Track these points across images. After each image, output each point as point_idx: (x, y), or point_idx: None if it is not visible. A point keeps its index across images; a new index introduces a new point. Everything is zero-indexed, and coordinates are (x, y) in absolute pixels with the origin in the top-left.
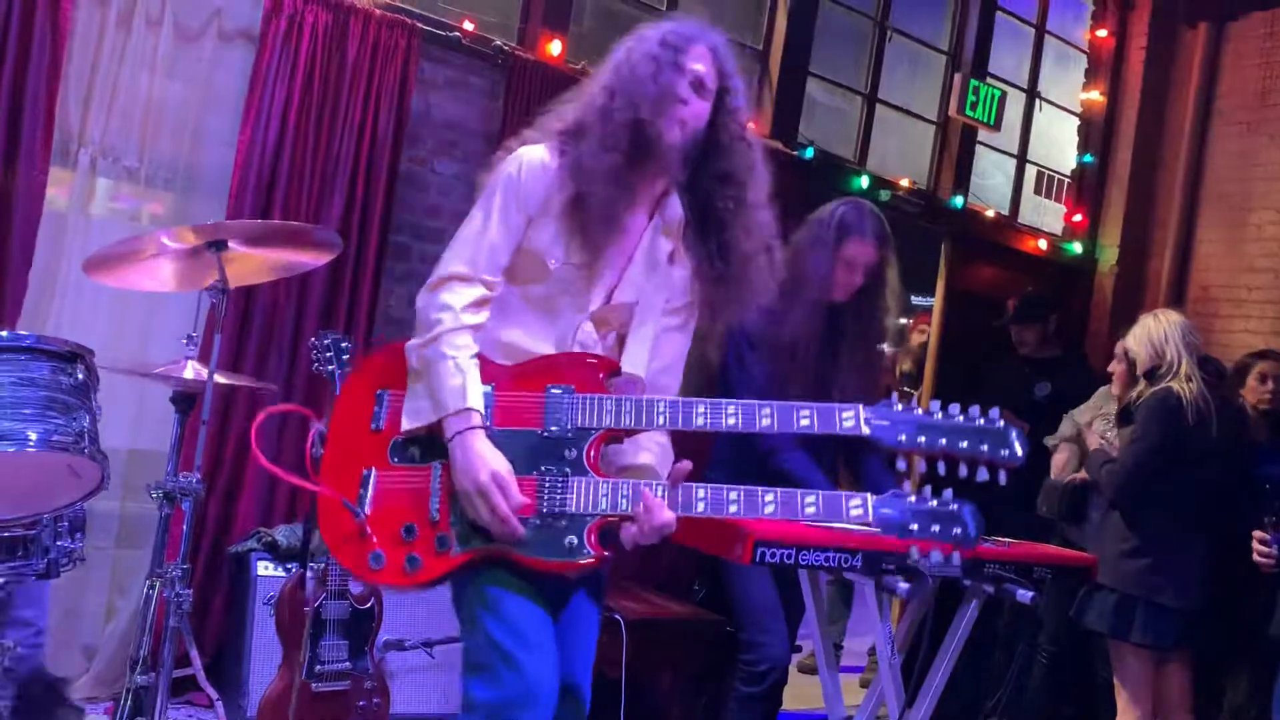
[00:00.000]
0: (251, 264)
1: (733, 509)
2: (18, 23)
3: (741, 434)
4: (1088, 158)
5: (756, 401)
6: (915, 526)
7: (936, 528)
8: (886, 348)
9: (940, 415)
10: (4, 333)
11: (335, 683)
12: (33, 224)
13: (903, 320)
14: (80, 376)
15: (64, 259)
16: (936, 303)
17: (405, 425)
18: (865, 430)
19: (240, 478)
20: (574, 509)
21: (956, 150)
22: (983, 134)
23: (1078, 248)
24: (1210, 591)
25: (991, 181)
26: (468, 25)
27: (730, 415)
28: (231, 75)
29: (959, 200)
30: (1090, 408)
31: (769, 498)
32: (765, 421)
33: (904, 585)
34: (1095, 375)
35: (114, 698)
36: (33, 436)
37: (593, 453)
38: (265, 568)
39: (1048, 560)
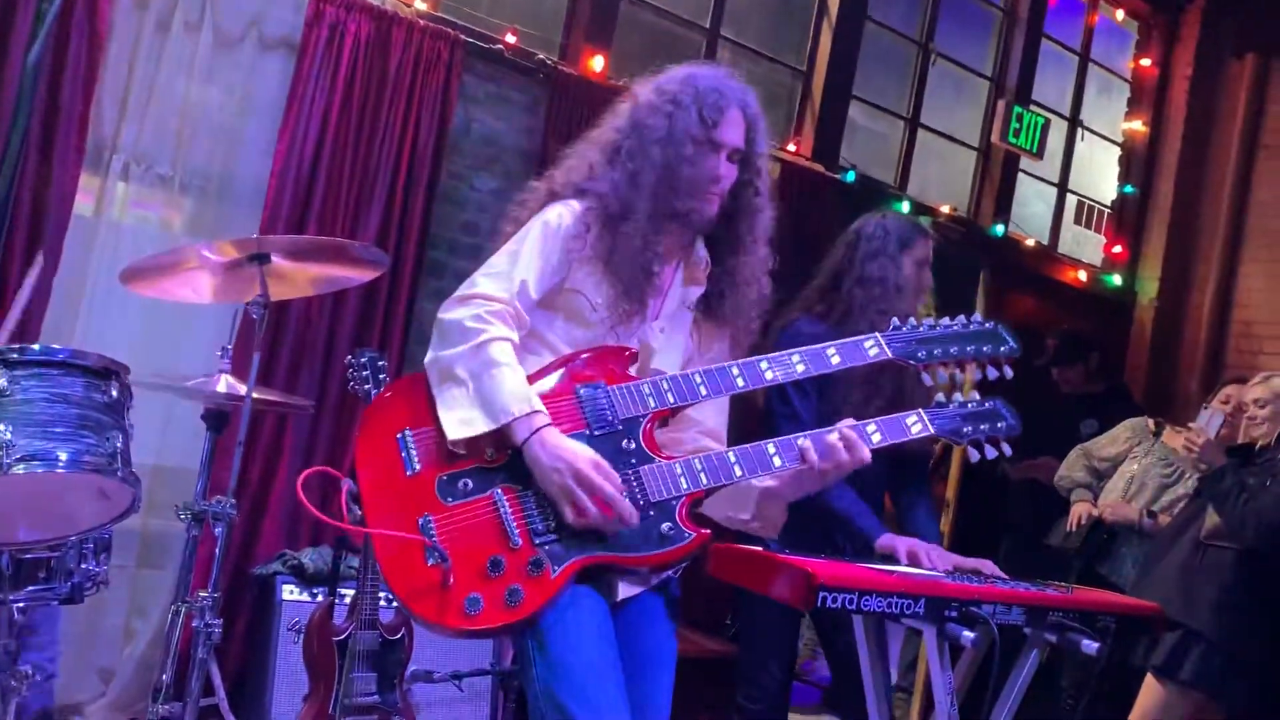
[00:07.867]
0: (294, 278)
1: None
2: (54, 23)
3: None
4: (1129, 188)
5: (789, 352)
6: (968, 429)
7: (985, 425)
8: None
9: (938, 327)
10: (36, 346)
11: (363, 715)
12: (61, 230)
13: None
14: (114, 394)
15: (91, 266)
16: None
17: (453, 436)
18: (889, 353)
19: (266, 497)
20: (657, 497)
21: (998, 177)
22: (1024, 162)
23: (1117, 280)
24: None
25: (1031, 210)
26: (510, 38)
27: (768, 371)
28: (271, 83)
29: (999, 228)
30: (1115, 442)
31: (833, 436)
32: (800, 368)
33: (968, 634)
34: (1142, 410)
35: None
36: (62, 457)
37: (650, 438)
38: (291, 592)
39: (1112, 608)
